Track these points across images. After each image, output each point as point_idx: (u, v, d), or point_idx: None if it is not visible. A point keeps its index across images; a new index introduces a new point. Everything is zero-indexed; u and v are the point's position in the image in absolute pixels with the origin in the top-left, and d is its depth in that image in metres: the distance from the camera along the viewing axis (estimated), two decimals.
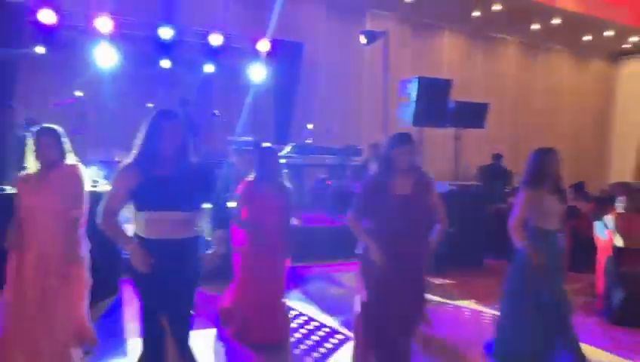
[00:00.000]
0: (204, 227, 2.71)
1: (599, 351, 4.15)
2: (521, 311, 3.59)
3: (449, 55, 12.84)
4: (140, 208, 2.56)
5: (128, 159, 2.57)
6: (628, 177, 14.26)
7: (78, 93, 6.52)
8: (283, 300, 4.17)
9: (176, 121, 2.58)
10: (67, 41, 7.93)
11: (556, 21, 12.23)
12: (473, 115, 6.90)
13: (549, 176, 3.57)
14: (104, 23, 8.02)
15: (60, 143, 3.20)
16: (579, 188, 7.64)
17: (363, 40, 7.56)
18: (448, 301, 5.48)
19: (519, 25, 12.59)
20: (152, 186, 2.50)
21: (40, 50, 7.76)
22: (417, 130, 6.79)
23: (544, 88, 14.33)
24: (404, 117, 6.64)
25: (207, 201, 2.71)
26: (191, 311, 2.71)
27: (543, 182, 3.56)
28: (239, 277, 4.10)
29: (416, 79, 6.44)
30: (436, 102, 6.50)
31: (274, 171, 4.02)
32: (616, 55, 15.22)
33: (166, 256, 2.51)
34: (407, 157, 3.10)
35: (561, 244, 3.68)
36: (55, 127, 3.26)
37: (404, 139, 3.18)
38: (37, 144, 3.14)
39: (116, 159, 7.02)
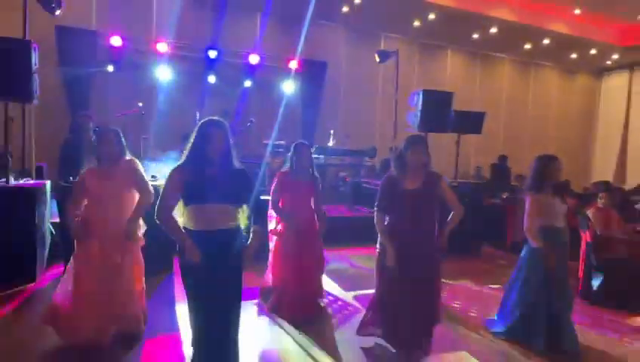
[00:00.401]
0: (243, 223, 2.61)
1: (580, 327, 4.05)
2: (529, 295, 3.49)
3: (451, 71, 12.63)
4: (187, 203, 2.49)
5: (180, 161, 2.54)
6: (609, 178, 13.86)
7: (140, 104, 6.62)
8: (318, 278, 4.11)
9: (223, 129, 2.52)
10: (132, 61, 8.09)
11: (546, 41, 11.93)
12: (471, 122, 6.77)
13: (551, 181, 3.46)
14: (163, 47, 8.20)
15: (120, 141, 3.27)
16: (562, 186, 7.44)
17: (377, 58, 7.46)
18: (449, 281, 5.38)
19: (513, 45, 12.32)
20: (199, 183, 2.44)
21: (110, 68, 7.96)
22: (422, 135, 6.78)
23: (535, 100, 14.01)
24: (412, 123, 6.57)
25: (246, 199, 2.60)
26: (238, 301, 2.56)
27: (545, 185, 3.45)
28: (276, 258, 4.05)
29: (422, 92, 6.35)
30: (439, 111, 6.40)
31: (305, 162, 3.93)
32: (600, 71, 14.76)
33: (212, 246, 2.44)
34: (419, 156, 3.03)
35: (566, 239, 3.55)
36: (116, 128, 3.34)
37: (417, 140, 3.12)
38: (101, 141, 3.22)
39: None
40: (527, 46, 12.33)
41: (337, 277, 5.24)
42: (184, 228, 2.52)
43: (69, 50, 7.63)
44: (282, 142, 8.25)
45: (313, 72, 9.94)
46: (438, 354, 3.30)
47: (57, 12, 5.33)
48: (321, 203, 4.11)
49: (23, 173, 5.23)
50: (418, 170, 3.05)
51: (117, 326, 3.24)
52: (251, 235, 2.61)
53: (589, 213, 5.18)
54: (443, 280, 5.17)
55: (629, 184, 12.15)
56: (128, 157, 3.32)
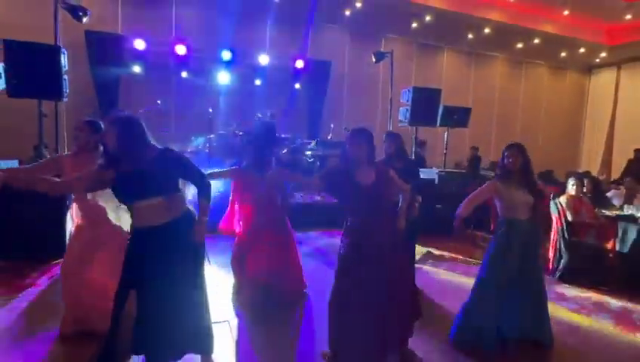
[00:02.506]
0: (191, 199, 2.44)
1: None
2: (485, 287, 3.13)
3: (447, 69, 12.55)
4: (122, 203, 2.39)
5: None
6: (596, 167, 13.70)
7: (158, 101, 6.82)
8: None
9: (117, 126, 2.25)
10: (154, 62, 8.28)
11: (537, 41, 11.76)
12: (459, 117, 6.78)
13: (510, 167, 3.11)
14: (181, 49, 8.36)
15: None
16: (545, 175, 7.47)
17: (373, 59, 7.51)
18: (437, 263, 5.44)
19: (506, 44, 12.18)
20: (122, 184, 2.28)
21: (136, 69, 8.17)
22: (413, 128, 6.85)
23: (526, 96, 13.86)
24: (403, 118, 6.64)
25: (188, 180, 2.43)
26: (191, 289, 2.39)
27: (508, 174, 3.13)
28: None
29: (412, 89, 6.41)
30: (428, 107, 6.45)
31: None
32: (589, 68, 14.49)
33: (155, 242, 2.29)
34: (357, 149, 2.66)
35: (532, 230, 3.15)
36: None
37: (355, 133, 2.72)
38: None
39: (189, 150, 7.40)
40: (519, 45, 12.18)
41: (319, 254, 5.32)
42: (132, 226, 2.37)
43: (97, 53, 7.86)
44: (288, 135, 8.41)
45: (318, 71, 10.02)
46: None
47: (84, 20, 5.51)
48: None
49: None
50: (366, 164, 2.69)
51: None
52: (199, 210, 2.41)
53: (562, 199, 5.22)
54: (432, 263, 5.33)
55: (614, 176, 12.01)
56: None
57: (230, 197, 3.58)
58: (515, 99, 13.67)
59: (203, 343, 2.52)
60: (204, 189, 2.39)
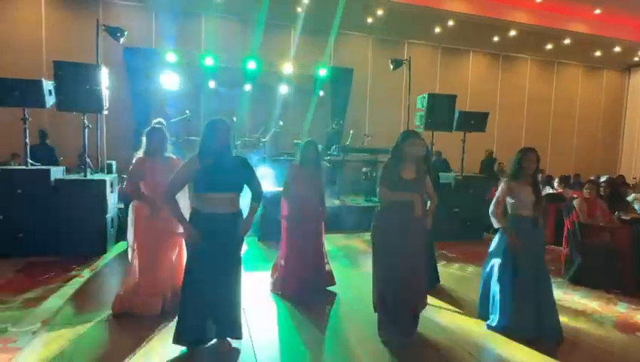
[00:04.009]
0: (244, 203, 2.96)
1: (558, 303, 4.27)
2: (505, 282, 3.47)
3: (473, 73, 12.67)
4: (198, 190, 2.87)
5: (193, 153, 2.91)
6: (635, 171, 13.35)
7: (187, 111, 7.47)
8: (321, 259, 4.25)
9: (224, 126, 2.87)
10: (186, 73, 8.97)
11: (567, 41, 11.70)
12: (476, 121, 7.02)
13: (527, 171, 3.48)
14: (209, 60, 9.04)
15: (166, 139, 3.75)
16: (564, 179, 7.55)
17: (390, 66, 7.87)
18: (452, 263, 5.72)
19: (534, 45, 12.17)
20: (208, 173, 2.83)
21: (168, 80, 8.90)
22: (427, 134, 7.17)
23: (559, 97, 13.68)
24: (419, 124, 6.96)
25: (247, 185, 2.98)
26: (235, 274, 2.94)
27: (522, 175, 3.48)
28: (284, 239, 4.33)
29: (427, 95, 6.73)
30: (443, 112, 6.74)
31: (310, 156, 4.14)
32: (627, 67, 14.13)
33: (216, 227, 2.82)
34: (416, 148, 3.20)
35: (533, 227, 3.49)
36: (161, 128, 3.81)
37: (411, 134, 3.28)
38: (150, 138, 3.70)
39: None
40: (549, 46, 12.14)
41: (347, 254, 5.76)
42: (195, 209, 2.90)
43: (133, 67, 8.66)
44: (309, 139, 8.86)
45: (341, 78, 10.47)
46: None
47: (121, 40, 6.24)
48: (324, 189, 4.32)
49: (96, 168, 6.21)
50: (412, 162, 3.22)
51: (173, 296, 3.63)
52: (249, 210, 2.99)
53: (576, 202, 5.39)
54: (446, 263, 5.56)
55: None
56: (167, 154, 3.79)
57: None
58: (547, 101, 13.55)
59: (236, 327, 3.00)
60: (259, 196, 3.03)
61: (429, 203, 3.42)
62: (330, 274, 4.39)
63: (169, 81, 8.56)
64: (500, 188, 3.58)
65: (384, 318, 3.31)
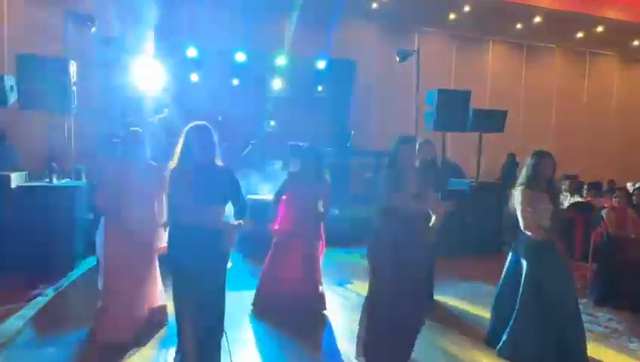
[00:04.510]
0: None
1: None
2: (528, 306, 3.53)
3: (494, 65, 12.83)
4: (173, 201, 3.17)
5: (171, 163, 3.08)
6: None
7: (165, 110, 7.64)
8: (310, 281, 4.41)
9: (205, 132, 3.02)
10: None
11: (600, 29, 11.84)
12: (492, 121, 7.15)
13: (544, 178, 3.58)
14: (192, 52, 9.21)
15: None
16: (594, 186, 7.65)
17: (397, 58, 8.02)
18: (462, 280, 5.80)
19: (563, 34, 12.31)
20: (184, 184, 3.00)
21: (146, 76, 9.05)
22: (439, 134, 7.28)
23: (592, 91, 13.78)
24: (427, 123, 7.09)
25: (230, 198, 3.09)
26: (218, 299, 3.06)
27: (538, 182, 3.58)
28: (269, 252, 4.53)
29: (437, 91, 6.86)
30: (456, 110, 6.87)
31: (310, 166, 4.35)
32: None
33: (195, 244, 2.92)
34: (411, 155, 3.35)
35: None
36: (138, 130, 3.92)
37: (407, 140, 3.45)
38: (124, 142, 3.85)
39: None
40: (579, 34, 12.28)
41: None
42: (173, 223, 3.05)
43: (108, 60, 8.81)
44: (307, 143, 8.98)
45: (342, 72, 10.61)
46: None
47: (92, 30, 6.41)
48: (329, 207, 4.48)
49: (63, 174, 6.33)
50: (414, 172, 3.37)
51: (148, 318, 3.81)
52: (231, 224, 3.09)
53: (604, 212, 5.48)
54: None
55: None
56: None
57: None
58: (578, 97, 13.65)
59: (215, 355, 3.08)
60: (243, 213, 3.15)
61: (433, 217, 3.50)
62: (321, 297, 4.50)
63: (147, 75, 8.70)
64: (521, 199, 3.58)
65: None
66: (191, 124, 3.04)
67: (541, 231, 3.49)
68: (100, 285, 3.85)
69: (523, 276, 3.58)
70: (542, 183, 3.60)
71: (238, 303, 4.56)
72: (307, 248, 4.39)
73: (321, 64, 10.16)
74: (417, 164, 4.36)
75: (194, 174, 2.92)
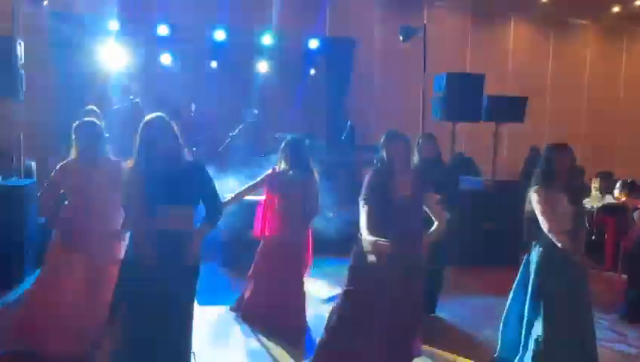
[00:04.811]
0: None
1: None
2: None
3: (516, 44, 12.88)
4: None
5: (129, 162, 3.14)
6: None
7: (137, 100, 7.68)
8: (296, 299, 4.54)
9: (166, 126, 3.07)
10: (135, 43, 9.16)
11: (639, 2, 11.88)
12: (510, 109, 7.21)
13: (560, 175, 3.58)
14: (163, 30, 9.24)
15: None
16: (628, 185, 7.66)
17: (400, 37, 8.07)
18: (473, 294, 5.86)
19: (596, 8, 12.34)
20: (148, 183, 3.01)
21: (106, 56, 9.08)
22: (448, 125, 7.34)
23: (631, 76, 13.81)
24: (435, 112, 7.16)
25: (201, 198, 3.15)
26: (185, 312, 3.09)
27: (553, 181, 3.59)
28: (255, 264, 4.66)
29: (445, 75, 6.93)
30: (467, 97, 6.93)
31: (293, 160, 4.47)
32: None
33: (163, 249, 2.95)
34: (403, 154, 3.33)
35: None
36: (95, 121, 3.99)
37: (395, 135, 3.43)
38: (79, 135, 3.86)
39: None
40: (615, 9, 12.30)
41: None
42: (134, 228, 3.08)
43: (65, 40, 8.84)
44: (296, 134, 9.02)
45: (338, 53, 10.64)
46: None
47: (45, 2, 6.45)
48: (316, 206, 4.57)
49: (10, 171, 6.37)
50: (406, 171, 3.34)
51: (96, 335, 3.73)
52: (199, 229, 3.12)
53: (636, 214, 5.54)
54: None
55: None
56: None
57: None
58: (614, 81, 13.69)
59: None
60: (216, 215, 3.18)
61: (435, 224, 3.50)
62: (302, 324, 4.53)
63: (111, 56, 8.74)
64: (537, 198, 3.60)
65: None
66: (147, 117, 3.07)
67: (565, 237, 3.47)
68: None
69: (529, 290, 3.65)
70: (558, 182, 3.61)
71: (213, 319, 4.65)
72: (294, 262, 4.48)
73: (313, 43, 10.16)
74: (417, 161, 4.46)
75: (156, 172, 2.95)
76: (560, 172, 3.61)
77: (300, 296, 4.53)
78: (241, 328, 4.60)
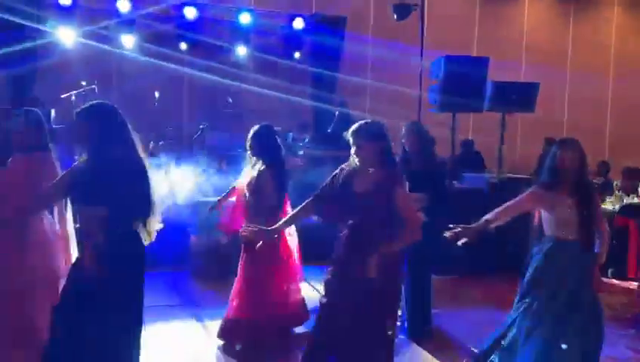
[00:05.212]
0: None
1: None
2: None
3: (531, 22, 12.80)
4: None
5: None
6: None
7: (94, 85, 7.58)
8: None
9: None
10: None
11: None
12: (519, 97, 7.10)
13: (565, 174, 3.53)
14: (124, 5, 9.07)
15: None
16: None
17: (394, 15, 7.99)
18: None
19: None
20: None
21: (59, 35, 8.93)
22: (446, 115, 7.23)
23: None
24: (432, 101, 7.06)
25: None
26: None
27: (557, 180, 3.56)
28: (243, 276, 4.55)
29: (443, 58, 6.82)
30: (469, 83, 6.82)
31: (260, 151, 4.43)
32: None
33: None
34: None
35: (584, 259, 3.59)
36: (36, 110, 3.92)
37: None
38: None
39: None
40: None
41: None
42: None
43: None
44: (278, 128, 8.92)
45: (326, 34, 10.44)
46: None
47: None
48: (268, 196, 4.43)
49: None
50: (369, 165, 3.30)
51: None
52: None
53: None
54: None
55: None
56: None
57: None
58: None
59: None
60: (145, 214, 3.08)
61: None
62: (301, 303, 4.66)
63: (62, 36, 8.61)
64: (522, 196, 3.64)
65: None
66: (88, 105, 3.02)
67: (483, 225, 3.56)
68: None
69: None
70: (562, 182, 3.54)
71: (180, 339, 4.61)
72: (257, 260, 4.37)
73: (298, 23, 10.08)
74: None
75: (103, 170, 2.87)
76: (564, 171, 3.52)
77: (265, 299, 4.45)
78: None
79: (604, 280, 6.85)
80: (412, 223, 3.28)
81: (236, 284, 4.52)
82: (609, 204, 7.49)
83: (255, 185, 4.38)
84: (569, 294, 3.53)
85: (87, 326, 2.83)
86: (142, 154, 3.06)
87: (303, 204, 3.45)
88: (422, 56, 7.97)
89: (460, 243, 3.48)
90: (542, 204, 3.59)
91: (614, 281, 6.82)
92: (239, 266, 4.54)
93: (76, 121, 3.02)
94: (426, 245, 3.62)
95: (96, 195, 2.84)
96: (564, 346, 3.45)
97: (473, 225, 3.55)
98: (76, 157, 3.29)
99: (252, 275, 4.44)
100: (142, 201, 3.01)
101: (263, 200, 4.38)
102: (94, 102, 3.06)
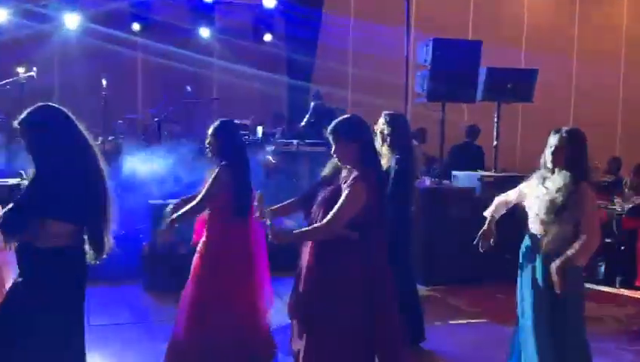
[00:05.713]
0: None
1: None
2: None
3: (532, 5, 12.98)
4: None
5: None
6: None
7: (34, 70, 7.55)
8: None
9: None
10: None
11: None
12: (518, 85, 7.21)
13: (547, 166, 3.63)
14: None
15: None
16: None
17: None
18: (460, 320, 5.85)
19: None
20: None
21: None
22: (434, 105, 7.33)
23: None
24: (420, 89, 7.14)
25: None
26: None
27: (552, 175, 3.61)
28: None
29: (430, 41, 6.90)
30: (459, 70, 6.92)
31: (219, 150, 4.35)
32: None
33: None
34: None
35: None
36: None
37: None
38: None
39: None
40: None
41: None
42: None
43: None
44: (247, 121, 8.98)
45: (301, 14, 10.52)
46: None
47: None
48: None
49: None
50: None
51: None
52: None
53: None
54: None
55: None
56: None
57: None
58: None
59: None
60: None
61: None
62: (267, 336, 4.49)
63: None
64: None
65: None
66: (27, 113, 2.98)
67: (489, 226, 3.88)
68: None
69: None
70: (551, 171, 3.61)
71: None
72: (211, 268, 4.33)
73: (269, 1, 10.16)
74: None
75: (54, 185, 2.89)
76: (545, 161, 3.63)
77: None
78: None
79: (613, 290, 7.09)
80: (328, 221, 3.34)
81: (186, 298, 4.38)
82: (617, 205, 7.60)
83: (215, 188, 4.24)
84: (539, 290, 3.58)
85: (20, 353, 2.85)
86: (99, 161, 3.06)
87: (292, 199, 3.66)
88: (408, 38, 8.02)
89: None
90: (520, 195, 3.79)
91: (623, 292, 6.90)
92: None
93: (19, 133, 2.97)
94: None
95: (43, 208, 2.84)
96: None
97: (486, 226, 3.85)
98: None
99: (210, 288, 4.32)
100: (93, 213, 3.00)
101: (220, 202, 4.29)
102: (36, 107, 2.98)
